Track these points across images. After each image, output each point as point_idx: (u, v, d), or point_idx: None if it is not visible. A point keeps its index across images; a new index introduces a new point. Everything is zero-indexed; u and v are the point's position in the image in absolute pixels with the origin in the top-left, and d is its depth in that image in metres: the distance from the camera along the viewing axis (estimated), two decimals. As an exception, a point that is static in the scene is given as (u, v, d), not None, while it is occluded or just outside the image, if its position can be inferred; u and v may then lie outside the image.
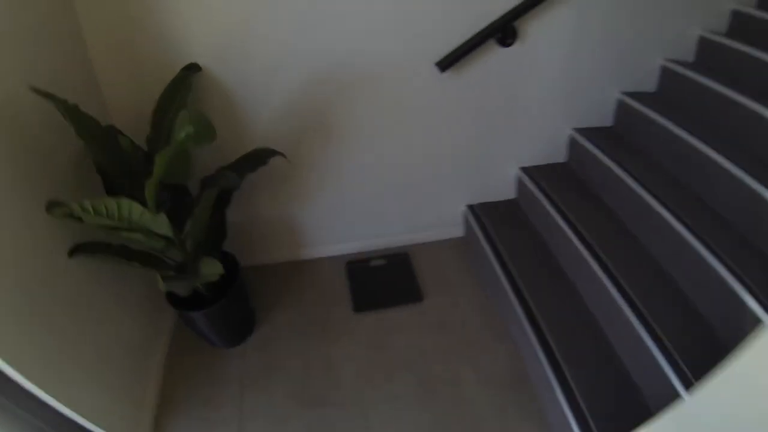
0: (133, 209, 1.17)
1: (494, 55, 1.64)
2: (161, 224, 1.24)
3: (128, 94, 1.51)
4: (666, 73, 1.83)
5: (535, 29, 1.62)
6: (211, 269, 1.39)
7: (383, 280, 1.98)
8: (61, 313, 1.18)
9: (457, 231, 2.18)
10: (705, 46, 1.79)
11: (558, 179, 1.93)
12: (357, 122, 1.74)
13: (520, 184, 2.01)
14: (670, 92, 1.83)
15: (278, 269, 2.10)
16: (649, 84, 1.87)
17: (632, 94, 1.84)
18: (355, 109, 1.70)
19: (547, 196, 1.86)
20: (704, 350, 1.26)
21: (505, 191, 2.09)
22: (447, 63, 1.55)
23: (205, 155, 1.67)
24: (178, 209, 1.42)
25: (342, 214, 2.01)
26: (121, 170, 1.32)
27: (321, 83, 1.61)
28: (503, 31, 1.55)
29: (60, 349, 1.15)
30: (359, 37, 1.54)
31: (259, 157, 1.55)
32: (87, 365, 1.26)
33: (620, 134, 1.89)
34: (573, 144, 1.93)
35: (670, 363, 1.22)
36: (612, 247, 1.60)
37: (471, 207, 2.08)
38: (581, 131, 1.89)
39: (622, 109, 1.88)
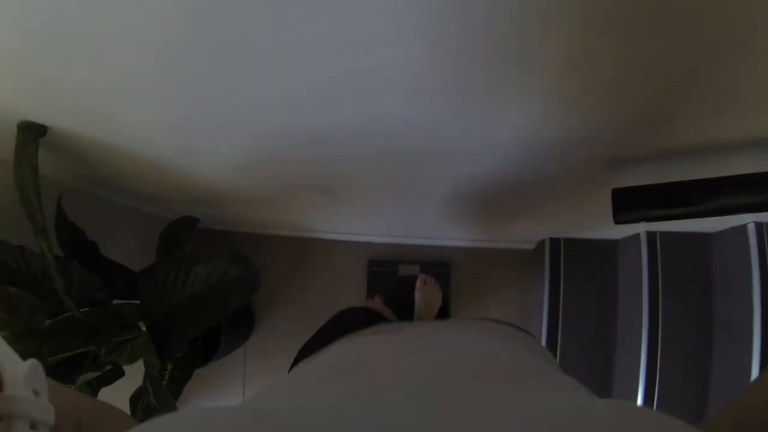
0: None
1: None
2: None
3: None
4: None
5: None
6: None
7: (408, 300, 1.59)
8: None
9: (526, 245, 1.59)
10: None
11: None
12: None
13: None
14: None
15: (281, 243, 1.67)
16: None
17: None
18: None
19: (651, 262, 1.27)
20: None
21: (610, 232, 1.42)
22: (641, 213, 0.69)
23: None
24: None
25: (365, 215, 1.43)
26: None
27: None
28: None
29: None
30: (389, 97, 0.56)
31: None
32: None
33: None
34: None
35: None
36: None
37: (554, 241, 1.47)
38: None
39: None
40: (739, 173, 0.59)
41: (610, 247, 1.42)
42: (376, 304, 1.53)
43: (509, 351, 0.41)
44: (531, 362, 0.38)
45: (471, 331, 0.49)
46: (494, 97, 0.54)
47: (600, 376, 1.41)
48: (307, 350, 0.58)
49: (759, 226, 1.09)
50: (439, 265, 1.60)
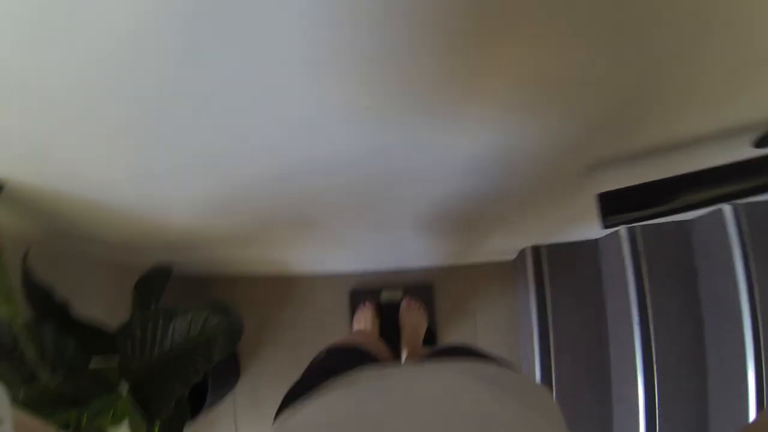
0: None
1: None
2: None
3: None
4: None
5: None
6: None
7: (393, 326, 1.53)
8: None
9: (506, 255, 1.57)
10: None
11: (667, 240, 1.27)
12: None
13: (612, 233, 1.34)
14: None
15: (261, 283, 1.59)
16: None
17: None
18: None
19: (634, 256, 1.26)
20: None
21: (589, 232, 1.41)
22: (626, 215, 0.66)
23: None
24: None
25: (344, 245, 1.37)
26: None
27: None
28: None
29: None
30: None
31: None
32: None
33: None
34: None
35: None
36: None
37: (535, 249, 1.45)
38: None
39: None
40: (718, 164, 0.58)
41: (590, 247, 1.42)
42: (367, 318, 1.47)
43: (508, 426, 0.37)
44: None
45: (468, 392, 0.43)
46: (447, 116, 0.51)
47: (597, 380, 1.39)
48: (294, 395, 0.55)
49: (735, 207, 1.10)
50: (421, 288, 1.56)
